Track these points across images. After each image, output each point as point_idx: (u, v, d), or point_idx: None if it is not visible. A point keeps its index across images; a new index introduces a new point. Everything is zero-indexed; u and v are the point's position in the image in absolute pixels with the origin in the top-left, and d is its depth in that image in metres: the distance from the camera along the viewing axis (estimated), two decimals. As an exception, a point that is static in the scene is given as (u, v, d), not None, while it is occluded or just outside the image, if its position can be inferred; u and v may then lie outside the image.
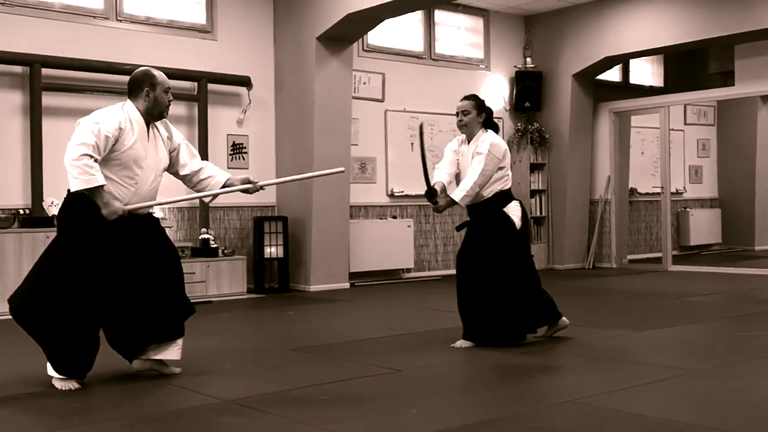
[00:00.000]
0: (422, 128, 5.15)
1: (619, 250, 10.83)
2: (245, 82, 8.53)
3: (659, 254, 10.74)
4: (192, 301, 4.40)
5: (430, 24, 10.06)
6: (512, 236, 5.04)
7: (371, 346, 5.21)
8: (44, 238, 6.73)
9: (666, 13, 9.52)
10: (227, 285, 7.94)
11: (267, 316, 6.94)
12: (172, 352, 4.17)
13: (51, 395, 3.90)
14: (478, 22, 10.55)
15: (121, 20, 7.87)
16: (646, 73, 12.17)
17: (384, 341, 5.39)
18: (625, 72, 11.80)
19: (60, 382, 3.98)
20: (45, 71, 7.26)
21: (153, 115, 4.15)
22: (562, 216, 10.69)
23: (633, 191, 11.51)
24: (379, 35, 9.45)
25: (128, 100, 4.15)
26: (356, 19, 7.96)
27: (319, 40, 8.27)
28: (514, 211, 5.09)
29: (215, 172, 4.39)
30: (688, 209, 12.49)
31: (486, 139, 5.04)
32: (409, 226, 9.54)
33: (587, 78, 10.59)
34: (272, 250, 8.37)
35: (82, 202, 3.93)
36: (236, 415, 3.51)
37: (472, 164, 5.01)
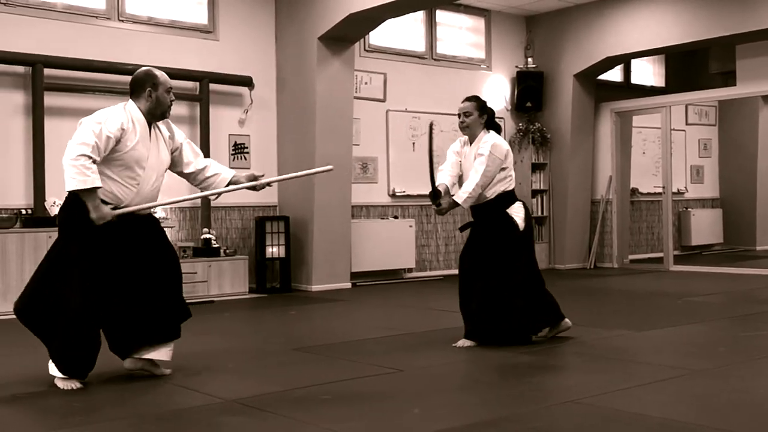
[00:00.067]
0: (432, 127, 5.12)
1: (621, 250, 10.83)
2: (247, 82, 8.54)
3: (661, 254, 10.74)
4: (194, 301, 4.42)
5: (431, 24, 10.06)
6: (515, 238, 5.03)
7: (373, 346, 5.21)
8: (46, 238, 6.75)
9: (667, 13, 9.52)
10: (229, 285, 7.95)
11: (268, 315, 6.95)
12: (162, 353, 4.16)
13: (53, 395, 3.91)
14: (479, 22, 10.55)
15: (122, 20, 7.88)
16: (647, 73, 12.17)
17: (385, 341, 5.39)
18: (627, 72, 11.81)
19: (62, 382, 3.99)
20: (47, 71, 7.27)
21: (155, 115, 4.16)
22: (563, 216, 10.70)
23: (634, 191, 11.51)
24: (381, 35, 9.45)
25: (130, 100, 4.15)
26: (358, 19, 7.97)
27: (321, 40, 8.27)
28: (517, 212, 5.09)
29: (220, 170, 4.39)
30: (689, 209, 12.48)
31: (487, 140, 5.04)
32: (410, 226, 9.55)
33: (589, 78, 10.59)
34: (274, 250, 8.37)
35: (83, 203, 3.93)
36: (238, 415, 3.52)
37: (474, 166, 5.01)
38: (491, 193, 5.05)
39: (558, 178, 10.76)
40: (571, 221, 10.67)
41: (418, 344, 5.22)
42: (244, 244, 8.61)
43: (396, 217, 9.60)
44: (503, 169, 5.05)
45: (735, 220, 12.74)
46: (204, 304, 7.41)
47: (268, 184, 4.38)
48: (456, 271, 5.29)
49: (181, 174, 4.41)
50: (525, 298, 5.00)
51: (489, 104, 5.29)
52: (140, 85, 4.13)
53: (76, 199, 3.94)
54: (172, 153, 4.31)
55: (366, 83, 9.34)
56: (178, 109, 7.69)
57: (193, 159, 4.36)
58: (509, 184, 5.11)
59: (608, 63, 10.40)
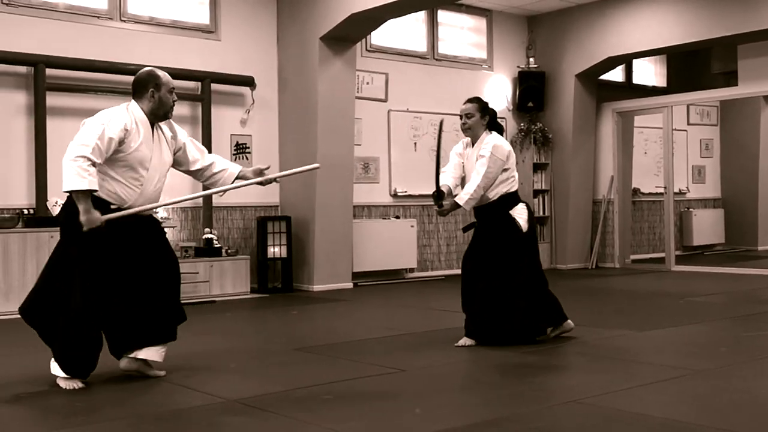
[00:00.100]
0: (442, 125, 5.12)
1: (622, 250, 10.83)
2: (249, 82, 8.54)
3: (662, 254, 10.74)
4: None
5: (433, 24, 10.06)
6: (518, 239, 5.02)
7: (374, 346, 5.22)
8: (48, 237, 6.76)
9: (669, 13, 9.52)
10: (230, 285, 7.95)
11: (270, 315, 6.95)
12: (155, 354, 4.15)
13: (55, 394, 3.92)
14: (481, 22, 10.56)
15: (124, 20, 7.88)
16: (649, 73, 12.16)
17: (387, 341, 5.40)
18: (628, 72, 11.80)
19: (64, 381, 3.99)
20: (49, 71, 7.28)
21: (158, 115, 4.15)
22: (565, 216, 10.69)
23: (636, 191, 11.50)
24: (383, 35, 9.45)
25: (132, 100, 4.14)
26: (359, 19, 7.97)
27: (323, 41, 8.28)
28: (520, 213, 5.08)
29: (227, 165, 4.40)
30: (691, 209, 12.48)
31: (489, 141, 5.04)
32: (412, 226, 9.55)
33: (590, 78, 10.58)
34: (275, 250, 8.38)
35: None
36: (239, 415, 3.52)
37: (475, 167, 5.01)
38: (494, 194, 5.05)
39: (560, 178, 10.76)
40: (572, 221, 10.66)
41: (420, 344, 5.22)
42: (245, 244, 8.61)
43: (398, 217, 9.61)
44: (505, 170, 5.05)
45: (737, 220, 12.73)
46: (206, 304, 7.42)
47: (275, 179, 4.39)
48: (458, 271, 5.29)
49: (187, 172, 4.41)
50: (527, 299, 5.00)
51: (491, 105, 5.28)
52: (143, 85, 4.12)
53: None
54: (175, 153, 4.31)
55: (368, 83, 9.35)
56: (180, 109, 7.69)
57: (199, 156, 4.37)
58: (512, 185, 5.10)
59: (610, 63, 10.40)
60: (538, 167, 10.78)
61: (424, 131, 9.86)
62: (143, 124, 4.08)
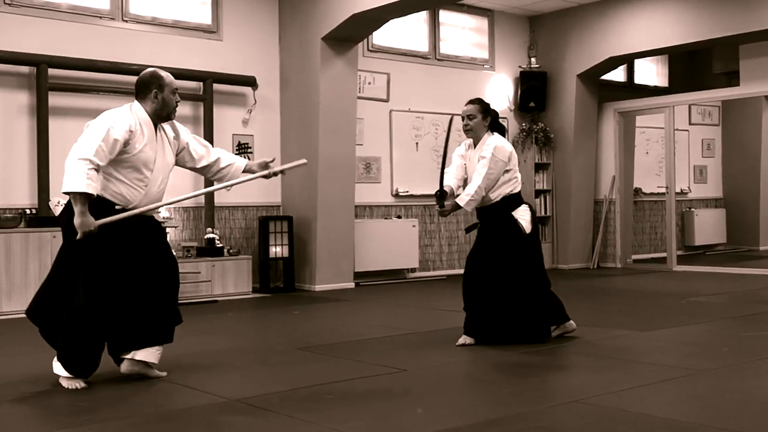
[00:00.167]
0: (452, 123, 5.11)
1: (624, 250, 10.83)
2: (250, 82, 8.55)
3: (664, 254, 10.73)
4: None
5: (434, 24, 10.07)
6: (520, 241, 5.02)
7: (376, 346, 5.22)
8: (50, 237, 6.77)
9: (670, 13, 9.52)
10: (232, 284, 7.96)
11: (272, 315, 6.95)
12: (153, 355, 4.15)
13: (58, 394, 3.93)
14: (482, 23, 10.56)
15: (127, 20, 7.89)
16: (650, 73, 12.16)
17: (388, 341, 5.40)
18: (630, 72, 11.80)
19: (67, 381, 4.00)
20: (51, 71, 7.29)
21: (161, 116, 4.15)
22: (566, 216, 10.69)
23: (638, 191, 11.50)
24: (384, 35, 9.46)
25: (135, 101, 4.14)
26: (361, 19, 7.97)
27: (325, 41, 8.28)
28: (522, 215, 5.07)
29: (233, 159, 4.42)
30: (692, 209, 12.48)
31: (490, 142, 5.04)
32: (413, 226, 9.55)
33: (592, 78, 10.59)
34: (277, 250, 8.39)
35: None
36: (243, 414, 3.53)
37: (476, 168, 5.01)
38: (496, 195, 5.05)
39: (561, 178, 10.76)
40: (574, 221, 10.67)
41: (422, 344, 5.23)
42: (247, 244, 8.62)
43: (399, 217, 9.61)
44: (507, 171, 5.04)
45: (738, 220, 12.73)
46: (207, 304, 7.43)
47: (282, 172, 4.41)
48: (459, 271, 5.30)
49: (194, 169, 4.42)
50: (528, 300, 5.00)
51: (492, 105, 5.28)
52: (146, 86, 4.12)
53: None
54: (178, 153, 4.31)
55: (369, 83, 9.35)
56: (182, 109, 7.64)
57: (204, 153, 4.38)
58: (514, 187, 5.10)
59: (611, 63, 10.40)
60: (539, 167, 10.78)
61: (426, 131, 9.86)
62: (147, 126, 4.08)
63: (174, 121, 4.31)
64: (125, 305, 4.05)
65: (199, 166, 4.38)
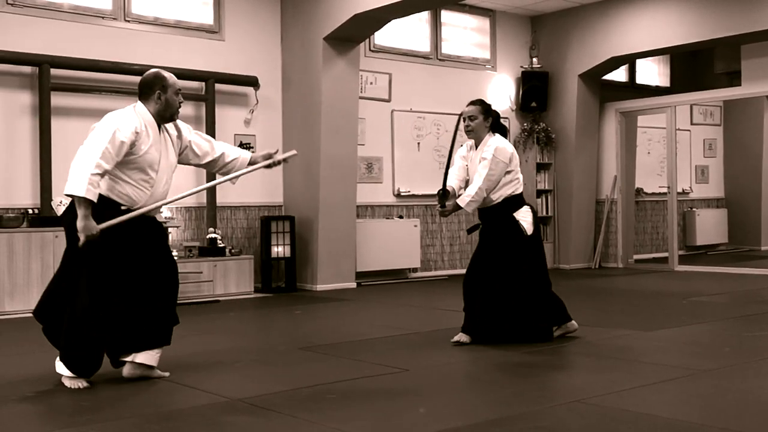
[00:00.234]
0: (460, 120, 5.10)
1: (626, 249, 10.83)
2: (252, 82, 8.56)
3: (665, 254, 10.73)
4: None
5: (436, 24, 10.07)
6: (521, 242, 5.02)
7: (378, 346, 5.23)
8: (53, 237, 6.78)
9: (672, 13, 9.52)
10: (234, 284, 7.97)
11: (274, 315, 6.96)
12: (152, 358, 4.15)
13: (60, 393, 3.93)
14: (484, 23, 10.56)
15: (129, 20, 7.90)
16: (652, 73, 12.16)
17: (390, 340, 5.41)
18: (632, 72, 11.80)
19: (69, 381, 4.01)
20: (54, 71, 7.30)
21: (164, 117, 4.15)
22: (568, 216, 10.69)
23: (639, 191, 11.50)
24: (386, 35, 9.46)
25: (139, 102, 4.14)
26: (363, 19, 7.98)
27: (326, 41, 8.29)
28: (524, 216, 5.07)
29: (238, 153, 4.44)
30: (694, 209, 12.48)
31: (491, 143, 5.04)
32: (415, 226, 9.56)
33: (593, 78, 10.59)
34: (279, 250, 8.39)
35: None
36: (243, 414, 3.53)
37: (477, 170, 5.01)
38: (497, 196, 5.04)
39: (563, 178, 10.76)
40: (575, 221, 10.67)
41: (423, 344, 5.23)
42: (249, 244, 8.63)
43: (401, 217, 9.62)
44: (509, 172, 5.04)
45: (740, 220, 12.73)
46: (209, 304, 7.44)
47: (285, 160, 4.43)
48: (461, 271, 5.31)
49: (199, 165, 4.44)
50: (529, 301, 5.01)
51: (494, 105, 5.28)
52: (149, 87, 4.12)
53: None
54: (181, 152, 4.32)
55: (371, 83, 9.36)
56: (184, 109, 7.59)
57: (208, 149, 4.39)
58: (516, 188, 5.09)
59: (613, 63, 10.40)
60: (541, 167, 10.79)
61: (428, 131, 9.87)
62: (151, 126, 4.08)
63: (176, 120, 4.32)
64: (127, 307, 4.06)
65: (204, 162, 4.39)
